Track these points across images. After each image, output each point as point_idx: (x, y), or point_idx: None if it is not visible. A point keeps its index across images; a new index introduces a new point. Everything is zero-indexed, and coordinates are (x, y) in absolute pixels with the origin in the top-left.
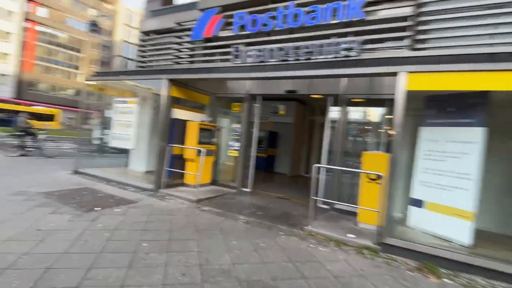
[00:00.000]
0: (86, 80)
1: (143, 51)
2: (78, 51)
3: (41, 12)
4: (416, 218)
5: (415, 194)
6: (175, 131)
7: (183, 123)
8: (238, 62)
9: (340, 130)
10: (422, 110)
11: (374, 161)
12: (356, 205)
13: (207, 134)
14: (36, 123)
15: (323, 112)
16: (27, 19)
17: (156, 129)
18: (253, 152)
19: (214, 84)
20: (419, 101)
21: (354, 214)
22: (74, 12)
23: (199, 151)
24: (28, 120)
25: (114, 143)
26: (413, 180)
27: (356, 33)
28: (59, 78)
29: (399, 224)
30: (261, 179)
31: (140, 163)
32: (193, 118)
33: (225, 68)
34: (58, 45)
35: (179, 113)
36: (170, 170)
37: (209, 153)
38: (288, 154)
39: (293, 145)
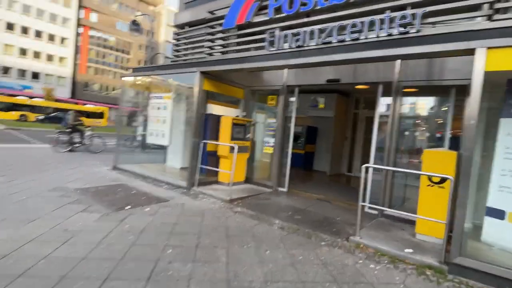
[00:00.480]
0: (122, 77)
1: (178, 45)
2: (126, 52)
3: (93, 17)
4: (495, 232)
5: (494, 202)
6: (209, 126)
7: (217, 118)
8: (273, 50)
9: (392, 123)
10: (499, 97)
11: (437, 161)
12: (411, 211)
13: (241, 129)
14: (86, 120)
15: (368, 104)
16: (80, 25)
17: (190, 125)
18: (290, 149)
19: (248, 76)
20: (495, 86)
21: (409, 222)
22: (122, 16)
23: (232, 148)
24: (81, 118)
25: (150, 139)
26: (491, 185)
27: (415, 5)
28: (110, 79)
29: (470, 237)
30: (299, 178)
31: (176, 160)
32: (227, 114)
33: (259, 57)
34: (109, 47)
35: (213, 109)
36: (205, 167)
37: (242, 149)
38: (328, 151)
39: (333, 141)
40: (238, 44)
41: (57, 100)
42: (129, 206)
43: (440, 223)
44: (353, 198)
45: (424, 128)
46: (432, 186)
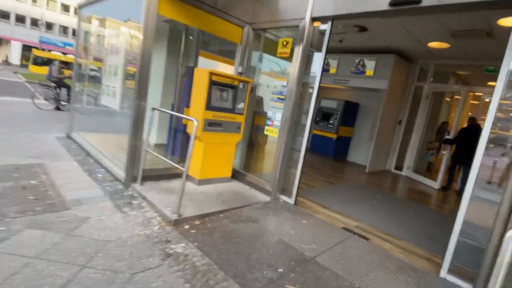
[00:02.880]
0: (79, 7)
1: None
2: None
3: None
4: None
5: None
6: (188, 86)
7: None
8: None
9: None
10: None
11: None
12: None
13: (227, 94)
14: None
15: (440, 76)
16: None
17: (170, 83)
18: (307, 132)
19: (251, 5)
20: None
21: None
22: None
23: (210, 123)
24: (65, 71)
25: (103, 100)
26: None
27: None
28: None
29: None
30: (321, 175)
31: (151, 132)
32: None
33: None
34: None
35: (205, 66)
36: (150, 151)
37: (229, 128)
38: (371, 137)
39: (381, 125)
40: None
41: (94, 59)
42: None
43: None
44: (412, 230)
45: None
46: None
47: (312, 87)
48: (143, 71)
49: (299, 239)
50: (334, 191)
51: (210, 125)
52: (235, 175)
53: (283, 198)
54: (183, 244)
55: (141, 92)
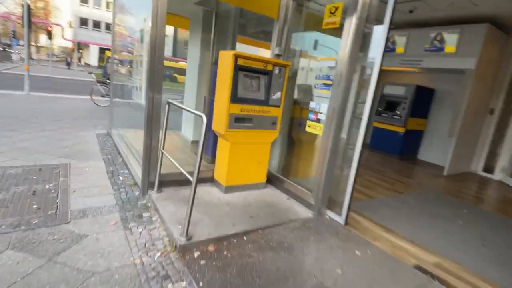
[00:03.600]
0: None
1: None
2: None
3: None
4: None
5: None
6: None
7: None
8: None
9: None
10: None
11: None
12: None
13: (261, 82)
14: (179, 77)
15: None
16: None
17: (206, 72)
18: (363, 126)
19: None
20: None
21: None
22: None
23: (236, 119)
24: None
25: (134, 95)
26: None
27: None
28: None
29: None
30: (384, 182)
31: (188, 128)
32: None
33: None
34: None
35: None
36: (166, 153)
37: (262, 123)
38: (451, 131)
39: (465, 115)
40: None
41: (125, 51)
42: None
43: None
44: None
45: None
46: None
47: (371, 69)
48: (155, 57)
49: (349, 285)
50: (401, 204)
51: (238, 120)
52: (272, 180)
53: (330, 214)
54: (184, 284)
55: (154, 83)
